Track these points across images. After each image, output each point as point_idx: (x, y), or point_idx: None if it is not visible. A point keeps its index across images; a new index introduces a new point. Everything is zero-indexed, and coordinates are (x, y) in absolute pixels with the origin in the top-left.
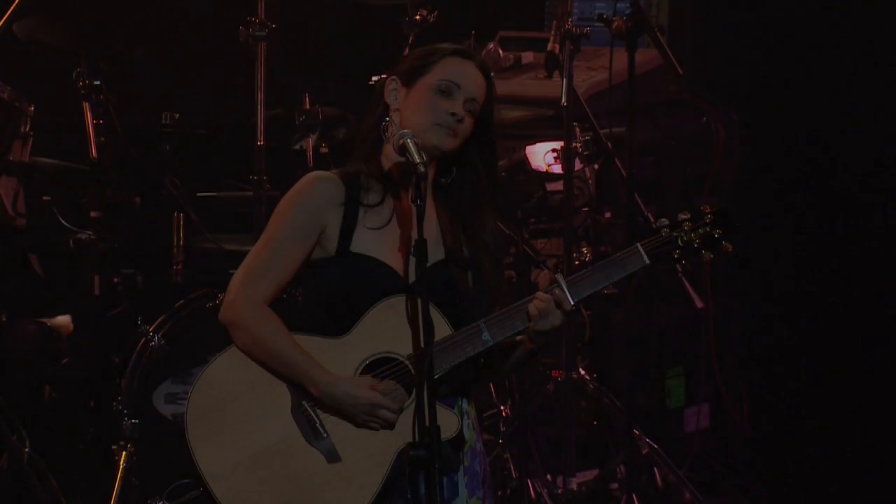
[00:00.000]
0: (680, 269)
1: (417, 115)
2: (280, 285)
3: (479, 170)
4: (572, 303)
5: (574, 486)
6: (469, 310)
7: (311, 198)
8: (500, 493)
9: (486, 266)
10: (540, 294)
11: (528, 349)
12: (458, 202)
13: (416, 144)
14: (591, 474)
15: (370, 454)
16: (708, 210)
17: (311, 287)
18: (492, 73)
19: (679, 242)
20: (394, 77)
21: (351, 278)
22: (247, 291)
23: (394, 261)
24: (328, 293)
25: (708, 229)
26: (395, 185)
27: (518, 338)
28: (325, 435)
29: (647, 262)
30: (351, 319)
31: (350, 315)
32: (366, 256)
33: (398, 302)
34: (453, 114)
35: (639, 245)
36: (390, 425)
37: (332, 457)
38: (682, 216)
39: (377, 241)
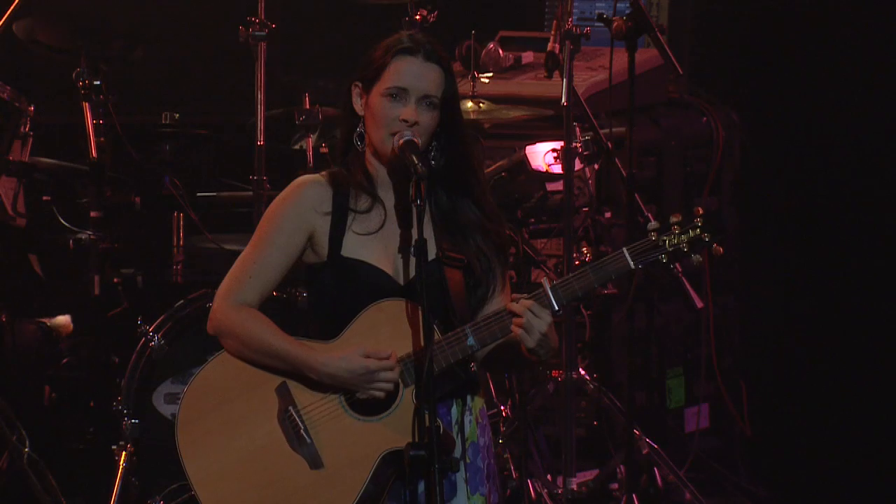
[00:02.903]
0: (679, 270)
1: (374, 127)
2: (265, 292)
3: (450, 154)
4: (556, 308)
5: (574, 486)
6: (460, 309)
7: (297, 203)
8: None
9: (473, 258)
10: (514, 307)
11: (531, 359)
12: (437, 195)
13: (416, 147)
14: (591, 474)
15: (353, 459)
16: (700, 213)
17: (310, 293)
18: (445, 58)
19: (667, 247)
20: (356, 83)
21: (342, 282)
22: (230, 299)
23: (385, 263)
24: (323, 298)
25: (698, 232)
26: (384, 189)
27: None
28: (309, 440)
29: (633, 266)
30: (344, 323)
31: (343, 318)
32: (356, 260)
33: (388, 305)
34: (405, 120)
35: (625, 250)
36: (393, 387)
37: (316, 462)
38: (673, 219)
39: (368, 245)
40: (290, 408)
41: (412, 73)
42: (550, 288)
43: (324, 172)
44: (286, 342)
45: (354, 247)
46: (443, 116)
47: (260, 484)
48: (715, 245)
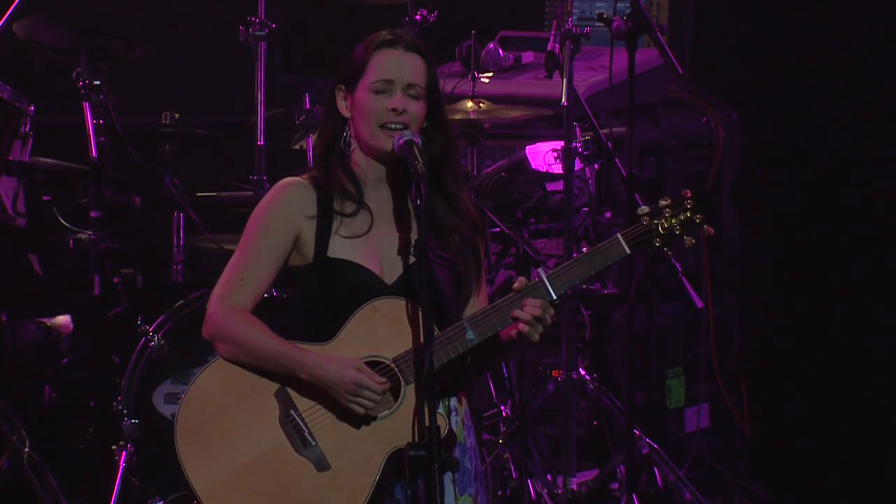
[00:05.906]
0: (680, 269)
1: (363, 124)
2: (257, 294)
3: (438, 146)
4: (554, 298)
5: (574, 486)
6: (452, 306)
7: (283, 205)
8: (500, 493)
9: (456, 256)
10: (520, 303)
11: (514, 339)
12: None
13: (417, 146)
14: (591, 474)
15: (359, 460)
16: (689, 195)
17: (294, 294)
18: (424, 48)
19: (660, 230)
20: (340, 86)
21: (329, 283)
22: (224, 303)
23: (373, 264)
24: (309, 299)
25: (689, 214)
26: (372, 190)
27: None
28: (314, 443)
29: (628, 251)
30: (334, 323)
31: (332, 319)
32: (343, 260)
33: (382, 304)
34: (393, 109)
35: (619, 235)
36: (369, 412)
37: (322, 465)
38: (663, 202)
39: (355, 247)
40: (292, 411)
41: (395, 63)
42: (547, 278)
43: (304, 175)
44: (279, 343)
45: (341, 248)
46: (429, 104)
47: (268, 490)
48: (706, 226)
